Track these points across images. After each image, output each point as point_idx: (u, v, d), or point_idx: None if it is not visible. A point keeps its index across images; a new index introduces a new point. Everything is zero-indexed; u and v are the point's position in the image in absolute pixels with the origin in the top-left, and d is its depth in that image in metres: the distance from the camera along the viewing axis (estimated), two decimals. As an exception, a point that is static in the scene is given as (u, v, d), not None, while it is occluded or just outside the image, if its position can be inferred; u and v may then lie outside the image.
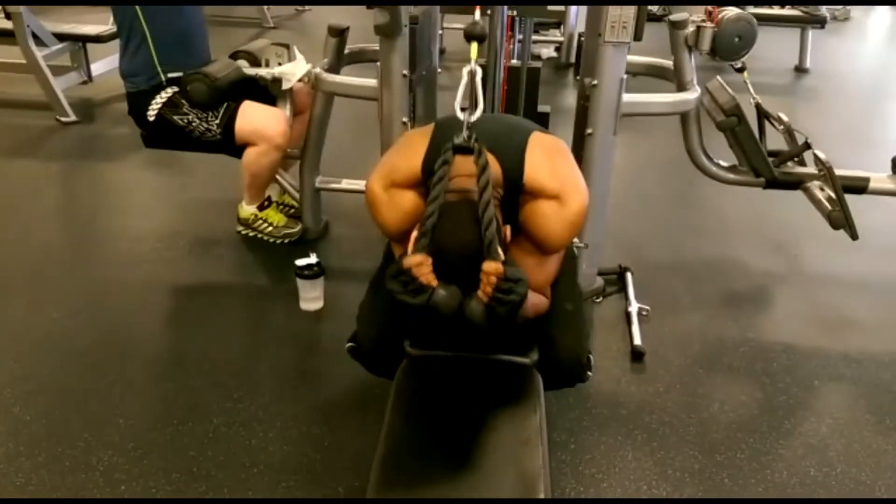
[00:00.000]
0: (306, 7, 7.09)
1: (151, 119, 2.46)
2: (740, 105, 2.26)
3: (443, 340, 1.40)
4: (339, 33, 2.47)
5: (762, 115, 2.40)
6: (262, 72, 2.49)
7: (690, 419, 1.88)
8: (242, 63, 2.53)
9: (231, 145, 2.49)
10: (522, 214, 1.35)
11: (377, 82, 2.25)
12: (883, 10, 8.49)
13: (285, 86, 2.50)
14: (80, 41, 4.17)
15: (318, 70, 2.42)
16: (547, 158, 1.36)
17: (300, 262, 2.26)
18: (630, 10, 1.96)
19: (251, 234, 2.70)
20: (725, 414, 1.92)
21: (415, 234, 1.19)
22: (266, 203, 2.68)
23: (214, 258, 2.63)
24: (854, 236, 2.23)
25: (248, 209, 2.67)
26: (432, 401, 1.29)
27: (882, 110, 4.78)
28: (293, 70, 2.49)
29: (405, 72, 2.18)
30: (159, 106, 2.44)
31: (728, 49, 2.25)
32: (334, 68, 2.49)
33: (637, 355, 2.08)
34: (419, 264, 1.12)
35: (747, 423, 1.89)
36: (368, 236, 2.75)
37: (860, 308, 2.41)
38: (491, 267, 1.11)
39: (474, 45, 1.26)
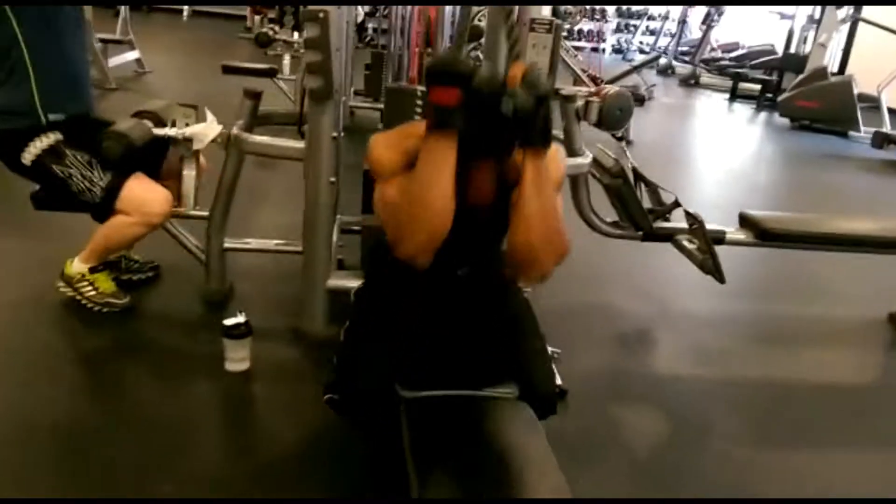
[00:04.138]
0: (147, 69, 6.88)
1: (26, 164, 2.33)
2: (625, 168, 2.60)
3: (433, 376, 1.49)
4: (255, 96, 2.51)
5: (637, 177, 2.77)
6: (173, 132, 2.46)
7: (618, 445, 2.09)
8: (148, 123, 2.48)
9: (107, 211, 2.39)
10: None
11: (304, 143, 2.32)
12: (676, 91, 9.84)
13: (196, 146, 2.49)
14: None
15: (236, 131, 2.44)
16: None
17: (228, 321, 2.22)
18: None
19: (70, 293, 2.51)
20: (646, 438, 2.16)
21: None
22: (100, 267, 2.53)
23: (104, 321, 2.47)
24: (722, 280, 2.61)
25: (77, 267, 2.50)
26: (446, 438, 1.37)
27: (692, 173, 5.56)
28: (206, 131, 2.49)
29: (335, 134, 2.27)
30: (39, 152, 2.32)
31: (613, 120, 2.60)
32: (249, 130, 2.52)
33: (562, 393, 2.28)
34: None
35: (665, 444, 2.14)
36: (275, 295, 2.77)
37: (725, 341, 2.80)
38: (516, 67, 1.25)
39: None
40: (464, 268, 1.58)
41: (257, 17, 9.62)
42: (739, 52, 11.56)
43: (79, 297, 2.50)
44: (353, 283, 2.43)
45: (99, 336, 2.41)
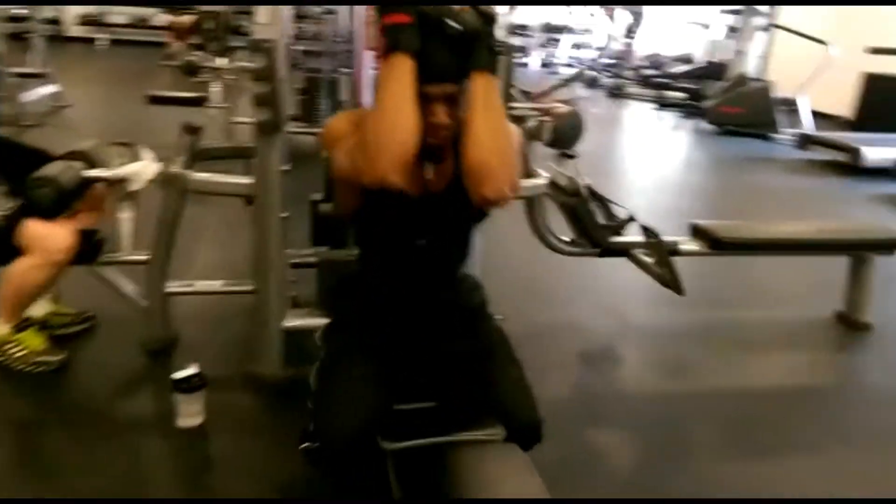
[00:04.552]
0: (65, 103, 6.56)
1: None
2: (581, 187, 2.58)
3: (414, 422, 1.41)
4: (194, 131, 2.38)
5: (591, 194, 2.75)
6: (108, 173, 2.29)
7: (599, 471, 2.04)
8: (79, 165, 2.31)
9: (4, 245, 2.20)
10: None
11: (252, 179, 2.19)
12: (605, 103, 10.02)
13: (134, 187, 2.33)
14: None
15: (176, 169, 2.30)
16: None
17: (179, 374, 2.07)
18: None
19: None
20: (626, 462, 2.12)
21: None
22: (26, 324, 2.33)
23: (38, 381, 2.26)
24: (681, 292, 2.61)
25: (1, 329, 2.30)
26: (440, 489, 1.29)
27: (628, 181, 5.64)
28: (143, 170, 2.33)
29: (285, 167, 2.16)
30: None
31: (566, 139, 2.56)
32: (190, 166, 2.37)
33: (537, 421, 2.21)
34: None
35: (647, 467, 2.10)
36: (223, 339, 2.61)
37: (687, 351, 2.80)
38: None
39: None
40: (423, 238, 1.56)
41: (179, 44, 9.33)
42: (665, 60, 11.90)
43: (7, 362, 2.29)
44: (311, 322, 2.34)
45: (32, 398, 2.22)
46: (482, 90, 1.38)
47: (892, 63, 7.40)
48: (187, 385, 2.07)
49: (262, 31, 2.02)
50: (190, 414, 2.09)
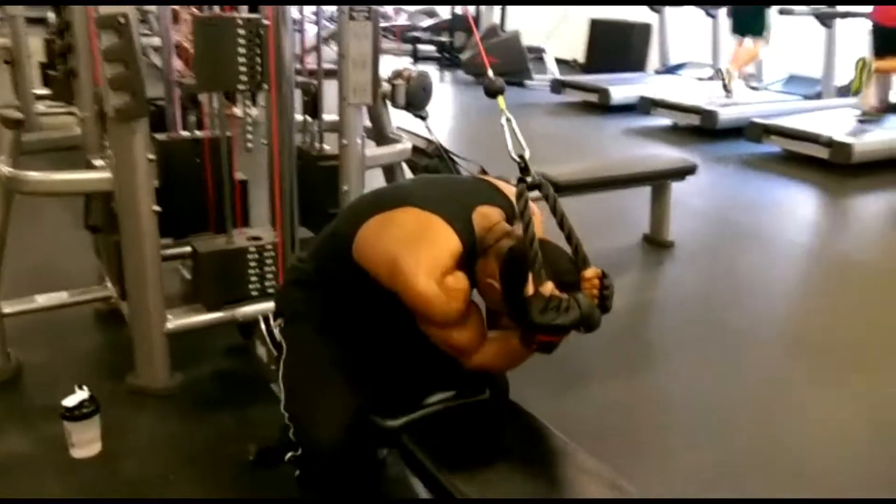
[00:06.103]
0: None
1: None
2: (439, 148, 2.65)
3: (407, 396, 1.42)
4: (16, 124, 2.03)
5: (445, 153, 2.83)
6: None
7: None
8: None
9: None
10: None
11: (110, 173, 1.94)
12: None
13: (-50, 197, 1.94)
14: None
15: (5, 170, 1.95)
16: None
17: (68, 400, 1.82)
18: (367, 76, 2.14)
19: None
20: (530, 396, 2.28)
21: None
22: None
23: None
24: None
25: None
26: (466, 450, 1.32)
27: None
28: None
29: (151, 156, 1.94)
30: None
31: (419, 100, 2.60)
32: (17, 166, 2.03)
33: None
34: (553, 289, 1.22)
35: (548, 400, 2.28)
36: (81, 357, 2.32)
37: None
38: (592, 272, 1.32)
39: (501, 99, 1.48)
40: None
41: None
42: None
43: None
44: (197, 319, 2.16)
45: None
46: None
47: (615, 10, 8.40)
48: (80, 412, 1.83)
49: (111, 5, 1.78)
50: (85, 443, 1.86)
